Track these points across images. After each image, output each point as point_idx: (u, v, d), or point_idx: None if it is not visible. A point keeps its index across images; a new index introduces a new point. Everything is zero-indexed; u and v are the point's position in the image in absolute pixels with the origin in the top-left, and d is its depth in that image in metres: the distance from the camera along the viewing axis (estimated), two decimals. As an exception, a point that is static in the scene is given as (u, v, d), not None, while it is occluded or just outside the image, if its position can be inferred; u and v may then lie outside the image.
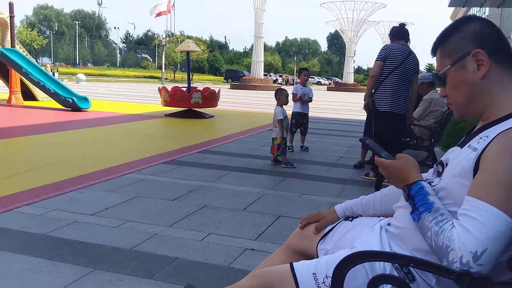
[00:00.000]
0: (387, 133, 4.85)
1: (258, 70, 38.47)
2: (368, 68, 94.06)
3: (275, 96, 5.95)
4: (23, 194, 3.98)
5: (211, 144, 7.19)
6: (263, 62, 40.01)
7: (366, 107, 5.08)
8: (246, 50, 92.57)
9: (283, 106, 5.81)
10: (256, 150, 6.87)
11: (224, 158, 6.05)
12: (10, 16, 13.49)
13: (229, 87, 37.15)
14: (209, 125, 10.58)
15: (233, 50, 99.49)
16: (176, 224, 3.33)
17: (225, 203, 3.95)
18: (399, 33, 4.98)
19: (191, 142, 7.44)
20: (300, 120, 7.14)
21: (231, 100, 19.65)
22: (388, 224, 1.42)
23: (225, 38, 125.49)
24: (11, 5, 13.48)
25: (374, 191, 1.93)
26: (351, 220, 1.62)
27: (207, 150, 6.66)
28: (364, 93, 5.16)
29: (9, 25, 13.59)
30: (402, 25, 5.09)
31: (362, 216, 1.65)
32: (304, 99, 7.11)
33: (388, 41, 5.26)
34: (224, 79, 55.69)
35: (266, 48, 69.14)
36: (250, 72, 43.41)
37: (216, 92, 11.79)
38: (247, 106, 17.27)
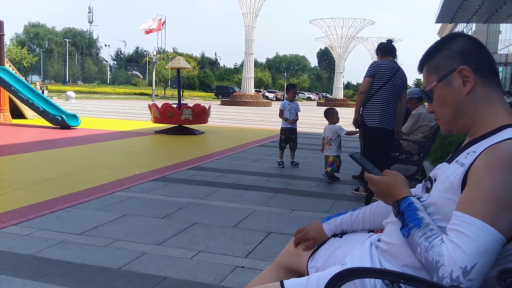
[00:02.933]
0: (376, 148, 4.89)
1: (248, 86, 38.64)
2: (357, 84, 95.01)
3: (325, 116, 6.15)
4: (10, 213, 3.91)
5: (202, 161, 7.16)
6: (253, 78, 40.20)
7: (355, 122, 5.11)
8: (237, 66, 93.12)
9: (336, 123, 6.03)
10: (247, 166, 6.86)
11: (215, 174, 6.03)
12: (-1, 35, 13.43)
13: (219, 103, 37.24)
14: (199, 141, 10.55)
15: (224, 66, 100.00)
16: (166, 243, 3.29)
17: (216, 220, 3.91)
18: (387, 50, 5.05)
19: (181, 158, 7.40)
20: (289, 136, 7.10)
21: (222, 116, 19.67)
22: (378, 240, 1.41)
23: (216, 54, 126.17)
24: (0, 24, 13.44)
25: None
26: (340, 237, 1.61)
27: (197, 166, 6.62)
28: (354, 109, 5.21)
29: (-2, 43, 13.51)
30: (390, 42, 5.16)
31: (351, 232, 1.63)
32: (290, 120, 7.09)
33: (376, 57, 5.32)
34: (214, 95, 55.80)
35: (257, 65, 69.67)
36: (240, 89, 43.59)
37: (207, 108, 11.80)
38: (238, 122, 17.30)
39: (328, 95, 72.16)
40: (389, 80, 4.86)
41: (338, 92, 53.19)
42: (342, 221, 1.63)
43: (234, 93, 42.04)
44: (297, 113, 7.15)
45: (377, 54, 5.19)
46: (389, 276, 1.20)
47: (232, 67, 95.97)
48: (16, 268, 2.73)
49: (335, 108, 6.41)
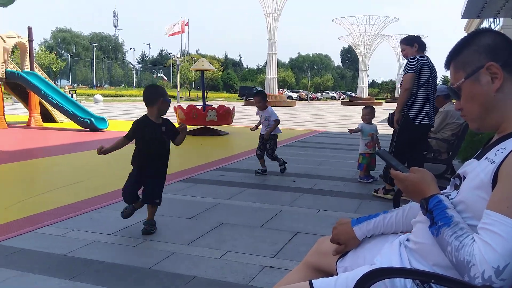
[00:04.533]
0: (415, 146, 4.74)
1: (271, 87, 38.67)
2: (382, 82, 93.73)
3: (370, 114, 5.89)
4: (44, 215, 4.04)
5: (227, 161, 7.22)
6: (276, 79, 40.21)
7: (396, 122, 4.80)
8: (260, 67, 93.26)
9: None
10: (272, 166, 6.87)
11: (240, 175, 6.07)
12: (29, 40, 13.85)
13: (243, 104, 37.37)
14: (224, 142, 10.63)
15: (247, 67, 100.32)
16: (194, 242, 3.34)
17: (242, 221, 3.95)
18: (423, 45, 4.88)
19: (207, 159, 7.48)
20: (263, 143, 6.23)
21: (246, 117, 19.74)
22: (407, 240, 1.41)
23: (240, 55, 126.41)
24: (29, 30, 13.87)
25: (393, 206, 1.92)
26: (369, 237, 1.60)
27: (223, 167, 6.68)
28: (395, 108, 4.87)
29: (28, 49, 13.95)
30: (419, 37, 5.03)
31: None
32: (266, 132, 6.14)
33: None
34: (238, 96, 56.05)
35: (280, 65, 69.62)
36: (264, 89, 43.67)
37: (231, 109, 11.88)
38: (262, 122, 17.30)
39: (352, 93, 71.43)
40: (430, 74, 4.70)
41: (363, 91, 52.60)
42: (375, 225, 1.58)
43: (257, 94, 42.04)
44: (275, 121, 6.11)
45: (414, 50, 4.92)
46: (419, 276, 1.20)
47: (255, 67, 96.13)
48: (52, 268, 2.83)
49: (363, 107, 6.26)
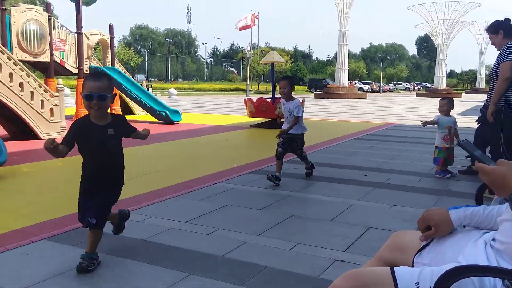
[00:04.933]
0: None
1: (342, 78, 37.94)
2: (462, 72, 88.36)
3: (450, 104, 5.59)
4: (123, 202, 4.29)
5: (297, 154, 7.20)
6: (347, 70, 39.38)
7: (491, 115, 4.48)
8: (330, 58, 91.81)
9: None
10: (342, 159, 6.77)
11: (310, 167, 6.03)
12: (110, 37, 14.73)
13: (312, 97, 37.04)
14: (294, 135, 10.61)
15: (317, 59, 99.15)
16: (265, 233, 3.39)
17: (312, 213, 3.93)
18: (510, 29, 4.51)
19: (277, 152, 7.51)
20: (287, 141, 5.20)
21: (315, 110, 19.56)
22: (493, 240, 1.33)
23: (309, 47, 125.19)
24: (111, 27, 14.75)
25: (475, 203, 1.81)
26: (464, 226, 1.51)
27: (292, 160, 6.68)
28: (491, 99, 4.53)
29: (109, 45, 14.83)
30: (508, 20, 4.64)
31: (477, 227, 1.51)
32: (283, 130, 5.21)
33: (486, 37, 4.80)
34: (307, 88, 55.67)
35: (350, 55, 67.98)
36: (334, 81, 42.93)
37: (300, 101, 11.80)
38: (332, 115, 17.08)
39: (428, 85, 68.04)
40: None
41: (440, 81, 49.85)
42: (473, 213, 1.48)
43: (327, 86, 41.52)
44: (296, 117, 5.15)
45: (490, 34, 4.56)
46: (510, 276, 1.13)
47: (325, 59, 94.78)
48: (132, 251, 3.01)
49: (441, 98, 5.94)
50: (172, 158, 7.01)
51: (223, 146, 8.33)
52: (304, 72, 72.98)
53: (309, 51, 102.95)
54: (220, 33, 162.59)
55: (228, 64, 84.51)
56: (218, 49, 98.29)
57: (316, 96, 37.02)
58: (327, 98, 34.02)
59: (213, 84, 60.87)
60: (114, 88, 13.88)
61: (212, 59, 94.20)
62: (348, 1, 36.66)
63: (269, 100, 11.68)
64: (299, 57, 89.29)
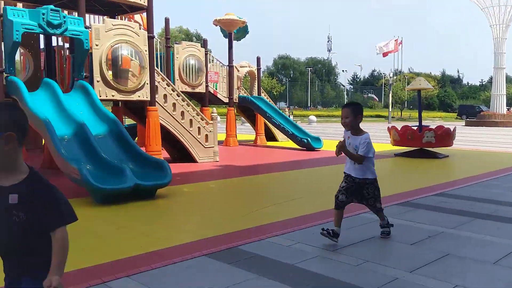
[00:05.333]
0: None
1: (499, 105, 34.25)
2: None
3: None
4: (272, 226, 4.47)
5: (448, 187, 6.68)
6: (505, 96, 35.45)
7: None
8: (484, 82, 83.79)
9: None
10: (503, 195, 6.07)
11: (465, 202, 5.54)
12: (257, 69, 15.73)
13: (463, 124, 34.15)
14: (443, 165, 9.88)
15: (468, 83, 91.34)
16: (418, 271, 3.20)
17: (471, 254, 3.60)
18: None
19: (425, 183, 7.07)
20: (353, 187, 3.98)
21: (468, 138, 17.95)
22: None
23: (458, 71, 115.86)
24: (258, 59, 15.78)
25: None
26: None
27: (443, 193, 6.22)
28: None
29: (256, 76, 15.81)
30: None
31: None
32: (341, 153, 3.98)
33: None
34: (457, 115, 51.45)
35: (508, 79, 61.13)
36: (488, 107, 38.99)
37: (452, 130, 10.99)
38: (488, 145, 15.46)
39: None
40: None
41: None
42: None
43: (481, 113, 37.88)
44: (361, 157, 3.91)
45: None
46: None
47: (478, 84, 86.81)
48: (281, 275, 3.11)
49: None
50: (314, 184, 7.09)
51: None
52: (453, 98, 67.80)
53: (458, 76, 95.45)
54: (361, 60, 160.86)
55: (369, 91, 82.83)
56: (358, 76, 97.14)
57: (468, 124, 34.07)
58: (481, 126, 31.01)
59: (353, 111, 60.02)
60: (260, 115, 14.48)
61: (352, 86, 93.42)
62: (505, 22, 33.33)
63: (415, 128, 11.12)
64: (447, 82, 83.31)
